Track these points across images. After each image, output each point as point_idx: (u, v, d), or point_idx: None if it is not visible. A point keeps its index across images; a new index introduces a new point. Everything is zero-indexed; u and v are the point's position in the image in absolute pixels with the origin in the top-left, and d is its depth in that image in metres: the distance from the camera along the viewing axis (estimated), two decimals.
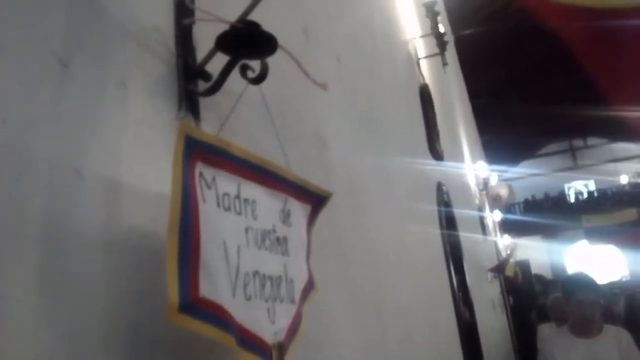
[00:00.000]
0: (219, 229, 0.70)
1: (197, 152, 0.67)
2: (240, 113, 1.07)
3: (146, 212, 0.77)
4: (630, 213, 17.16)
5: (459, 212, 4.93)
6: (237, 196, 0.77)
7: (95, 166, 0.71)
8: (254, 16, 1.03)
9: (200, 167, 0.68)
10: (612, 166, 19.30)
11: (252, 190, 0.81)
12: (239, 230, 0.76)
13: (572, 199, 19.95)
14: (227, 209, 0.73)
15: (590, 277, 2.99)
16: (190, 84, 0.92)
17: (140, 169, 0.79)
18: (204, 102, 0.97)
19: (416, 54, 4.48)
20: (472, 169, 8.96)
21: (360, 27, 2.65)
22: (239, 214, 0.76)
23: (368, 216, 2.10)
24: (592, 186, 20.76)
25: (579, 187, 20.90)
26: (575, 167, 21.31)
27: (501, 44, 10.92)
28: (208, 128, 0.97)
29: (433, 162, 4.22)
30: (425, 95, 4.38)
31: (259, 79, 0.93)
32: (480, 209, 8.75)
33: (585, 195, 19.94)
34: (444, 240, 3.83)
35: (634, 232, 17.56)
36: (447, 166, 4.94)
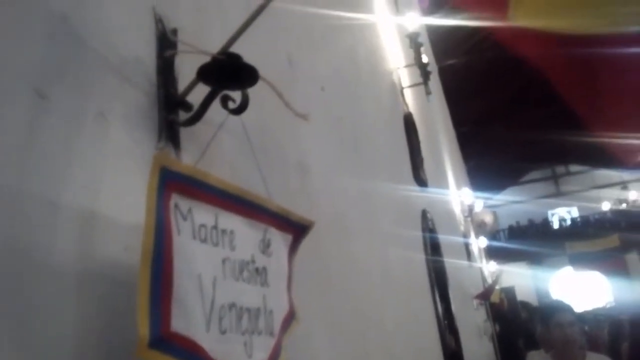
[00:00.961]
0: (194, 261, 0.69)
1: (172, 183, 0.67)
2: (221, 143, 1.08)
3: (122, 243, 0.76)
4: (612, 239, 17.38)
5: (444, 238, 4.95)
6: (215, 227, 0.77)
7: (71, 197, 0.70)
8: (238, 44, 1.04)
9: (175, 199, 0.68)
10: (594, 193, 19.64)
11: (230, 220, 0.81)
12: (216, 261, 0.75)
13: (556, 226, 20.17)
14: (204, 241, 0.73)
15: (566, 302, 3.08)
16: (171, 114, 0.93)
17: (117, 199, 0.78)
18: (184, 132, 0.98)
19: (400, 83, 4.57)
20: (457, 196, 9.04)
21: (344, 57, 2.70)
22: (216, 245, 0.76)
23: (352, 244, 2.10)
24: (575, 213, 21.04)
25: (562, 213, 21.17)
26: (558, 194, 21.60)
27: (484, 74, 11.17)
28: (188, 158, 0.97)
29: (418, 189, 4.25)
30: (409, 124, 4.45)
31: (239, 110, 0.94)
32: (466, 235, 8.79)
33: (569, 222, 20.18)
34: (429, 267, 3.82)
35: (617, 259, 17.76)
36: (432, 193, 4.98)
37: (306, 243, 1.17)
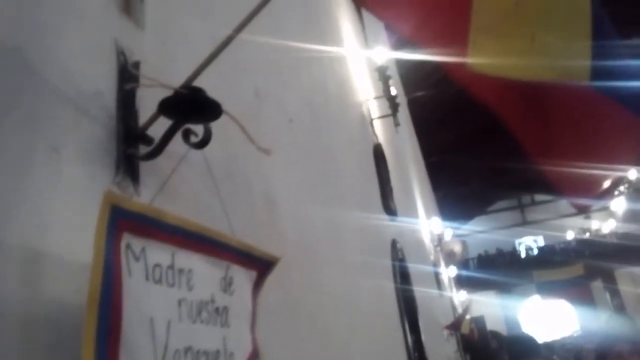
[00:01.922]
0: (146, 304, 0.66)
1: (124, 222, 0.65)
2: (184, 176, 1.05)
3: (73, 285, 0.72)
4: (577, 268, 17.80)
5: (414, 268, 4.96)
6: (171, 267, 0.74)
7: (17, 236, 0.67)
8: (204, 77, 1.04)
9: (127, 238, 0.65)
10: (558, 222, 20.14)
11: (188, 259, 0.78)
12: (171, 303, 0.72)
13: (523, 255, 20.53)
14: (158, 282, 0.70)
15: (534, 341, 3.09)
16: (130, 148, 0.90)
17: (70, 238, 0.75)
18: (145, 166, 0.95)
19: (370, 115, 4.64)
20: (427, 225, 9.12)
21: (314, 90, 2.72)
22: (172, 285, 0.73)
23: (320, 275, 2.08)
24: (541, 242, 21.50)
25: (529, 242, 21.59)
26: (525, 223, 22.07)
27: (452, 105, 11.47)
28: (149, 192, 0.94)
29: (387, 218, 4.27)
30: (378, 154, 4.50)
31: (202, 144, 0.92)
32: (435, 264, 8.84)
33: (535, 251, 20.58)
34: (399, 297, 3.81)
35: (583, 287, 18.16)
36: (402, 222, 5.01)
37: (273, 276, 1.15)
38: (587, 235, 20.20)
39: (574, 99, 1.19)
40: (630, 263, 17.01)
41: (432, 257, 8.68)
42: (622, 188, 13.53)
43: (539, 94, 1.21)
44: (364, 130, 4.26)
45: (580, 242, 19.65)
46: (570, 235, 20.36)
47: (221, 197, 1.05)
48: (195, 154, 1.04)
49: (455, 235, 14.01)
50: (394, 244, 4.17)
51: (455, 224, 16.18)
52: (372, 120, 4.64)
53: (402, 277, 4.18)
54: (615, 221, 18.79)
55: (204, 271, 0.83)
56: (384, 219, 4.16)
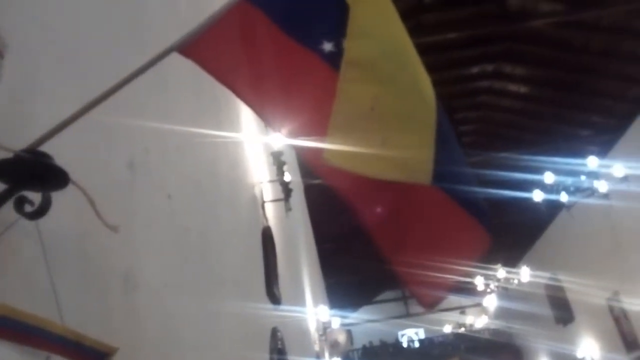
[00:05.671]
0: None
1: None
2: (16, 249, 0.93)
3: None
4: None
5: (295, 359, 4.78)
6: None
7: None
8: (68, 144, 0.96)
9: None
10: (437, 316, 21.04)
11: None
12: None
13: (405, 346, 20.96)
14: None
15: None
16: None
17: None
18: None
19: (262, 197, 4.64)
20: (314, 314, 9.00)
21: (200, 167, 2.68)
22: None
23: None
24: (422, 334, 22.17)
25: (410, 334, 22.17)
26: (408, 315, 22.76)
27: None
28: None
29: (270, 306, 4.14)
30: (267, 237, 4.45)
31: (36, 214, 0.82)
32: (319, 355, 8.63)
33: (417, 344, 21.14)
34: None
35: None
36: (285, 310, 4.89)
37: None
38: (463, 329, 21.27)
39: (421, 196, 1.29)
40: (500, 359, 18.05)
41: (316, 348, 8.48)
42: (492, 286, 14.67)
43: (387, 189, 1.30)
44: (254, 213, 4.23)
45: (457, 336, 20.60)
46: (447, 329, 21.30)
47: (56, 276, 0.93)
48: (34, 224, 0.92)
49: (343, 325, 13.96)
50: (274, 332, 4.02)
51: (343, 313, 16.21)
52: (263, 202, 4.64)
53: None
54: (487, 317, 20.11)
55: None
56: (266, 306, 4.03)
